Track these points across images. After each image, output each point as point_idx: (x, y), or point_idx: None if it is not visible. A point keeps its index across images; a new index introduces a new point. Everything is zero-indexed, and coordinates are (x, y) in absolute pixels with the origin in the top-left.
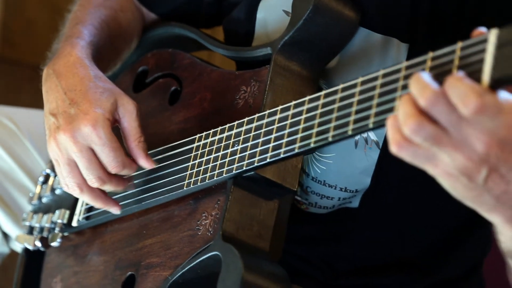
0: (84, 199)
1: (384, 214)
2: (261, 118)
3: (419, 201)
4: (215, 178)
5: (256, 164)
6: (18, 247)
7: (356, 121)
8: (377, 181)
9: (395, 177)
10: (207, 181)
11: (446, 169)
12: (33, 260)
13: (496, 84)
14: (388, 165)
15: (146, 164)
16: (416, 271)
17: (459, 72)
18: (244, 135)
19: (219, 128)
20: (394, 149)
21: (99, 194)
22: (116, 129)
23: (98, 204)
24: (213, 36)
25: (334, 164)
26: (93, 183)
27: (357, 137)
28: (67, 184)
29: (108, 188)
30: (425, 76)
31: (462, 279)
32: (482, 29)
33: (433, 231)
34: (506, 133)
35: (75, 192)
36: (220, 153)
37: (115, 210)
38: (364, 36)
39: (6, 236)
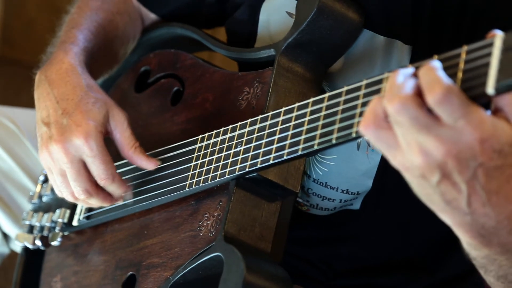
0: (80, 204)
1: (385, 216)
2: (264, 119)
3: (419, 203)
4: (217, 179)
5: (259, 166)
6: (18, 246)
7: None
8: (379, 183)
9: (397, 179)
10: (209, 182)
11: (403, 162)
12: (32, 259)
13: (502, 89)
14: (390, 167)
15: (149, 165)
16: (416, 271)
17: (435, 61)
18: (247, 136)
19: (221, 129)
20: (361, 127)
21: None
22: (107, 140)
23: (93, 206)
24: (214, 36)
25: (336, 166)
26: (80, 195)
27: (359, 139)
28: (61, 192)
29: (94, 202)
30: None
31: (461, 279)
32: (496, 32)
33: (433, 231)
34: (466, 150)
35: (70, 200)
36: (222, 154)
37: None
38: (368, 39)
39: (6, 236)
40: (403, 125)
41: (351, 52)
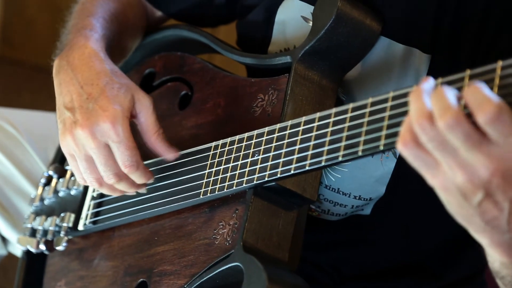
0: (103, 192)
1: (395, 221)
2: (283, 129)
3: (430, 209)
4: (234, 188)
5: (279, 175)
6: (18, 250)
7: (388, 136)
8: (392, 190)
9: (410, 186)
10: (225, 190)
11: (444, 182)
12: (34, 263)
13: None
14: (404, 174)
15: (169, 154)
16: (423, 275)
17: (477, 82)
18: (265, 145)
19: (237, 137)
20: (399, 145)
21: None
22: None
23: (117, 194)
24: (224, 41)
25: (349, 173)
26: (110, 179)
27: None
28: (85, 179)
29: (123, 186)
30: (449, 94)
31: (467, 282)
32: None
33: (441, 236)
34: None
35: (94, 186)
36: (239, 162)
37: (132, 192)
38: (386, 46)
39: (4, 239)
40: (452, 142)
41: (368, 60)
